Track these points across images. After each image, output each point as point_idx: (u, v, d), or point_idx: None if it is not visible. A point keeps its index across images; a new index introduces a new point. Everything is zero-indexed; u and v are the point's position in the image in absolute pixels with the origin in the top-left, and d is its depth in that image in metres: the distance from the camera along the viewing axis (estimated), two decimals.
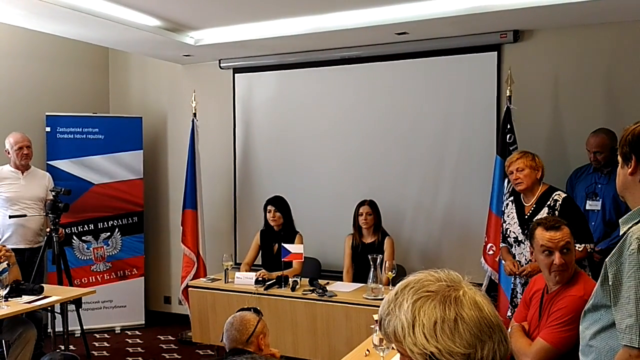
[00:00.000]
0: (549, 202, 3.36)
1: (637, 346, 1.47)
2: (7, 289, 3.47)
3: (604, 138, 3.70)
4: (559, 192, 3.41)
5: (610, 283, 1.55)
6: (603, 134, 3.71)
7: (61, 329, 3.94)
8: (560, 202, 3.32)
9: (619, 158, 1.65)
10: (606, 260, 1.58)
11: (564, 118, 4.29)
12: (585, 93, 4.21)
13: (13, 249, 4.33)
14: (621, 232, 1.60)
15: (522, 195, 3.53)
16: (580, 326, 1.75)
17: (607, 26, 4.11)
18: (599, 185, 3.75)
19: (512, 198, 3.62)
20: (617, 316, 1.53)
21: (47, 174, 4.74)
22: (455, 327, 1.01)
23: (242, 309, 2.64)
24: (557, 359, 2.28)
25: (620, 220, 1.65)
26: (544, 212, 3.32)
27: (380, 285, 3.68)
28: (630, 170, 1.61)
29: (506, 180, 3.96)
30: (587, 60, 4.20)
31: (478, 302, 1.04)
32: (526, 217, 3.45)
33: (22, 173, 4.49)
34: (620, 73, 4.11)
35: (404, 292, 1.09)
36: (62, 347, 4.00)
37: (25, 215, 4.37)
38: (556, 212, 3.27)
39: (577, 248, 3.12)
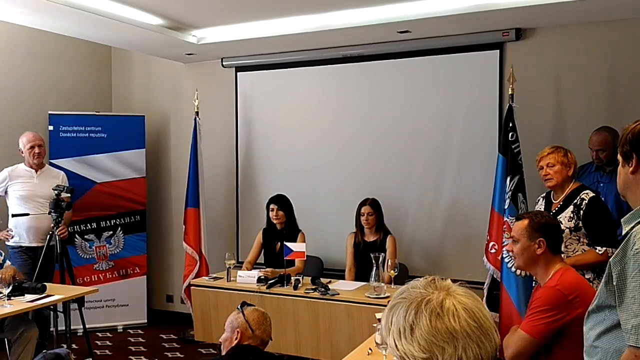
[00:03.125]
0: (575, 201, 3.20)
1: None
2: (10, 287, 3.48)
3: (606, 136, 3.68)
4: (587, 191, 3.22)
5: (614, 283, 1.54)
6: (605, 132, 3.69)
7: (64, 328, 3.94)
8: (586, 202, 3.16)
9: (620, 157, 1.65)
10: (610, 260, 1.57)
11: (566, 116, 4.28)
12: (587, 91, 4.20)
13: (27, 247, 4.38)
14: (624, 232, 1.59)
15: (552, 192, 3.39)
16: (584, 327, 1.73)
17: (610, 24, 4.10)
18: (601, 184, 3.72)
19: (544, 194, 3.49)
20: (622, 316, 1.51)
21: (62, 172, 4.75)
22: (412, 334, 1.11)
23: (245, 304, 2.61)
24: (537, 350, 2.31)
25: (622, 220, 1.64)
26: (569, 211, 3.20)
27: (383, 284, 3.67)
28: (631, 169, 1.60)
29: (508, 179, 3.96)
30: (590, 58, 4.19)
31: (446, 309, 1.10)
32: (551, 213, 3.25)
33: (36, 172, 4.52)
34: (623, 71, 4.10)
35: (393, 298, 1.18)
36: (65, 346, 4.00)
37: (27, 214, 4.38)
38: (581, 212, 3.15)
39: (597, 251, 3.08)
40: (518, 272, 3.87)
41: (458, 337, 1.10)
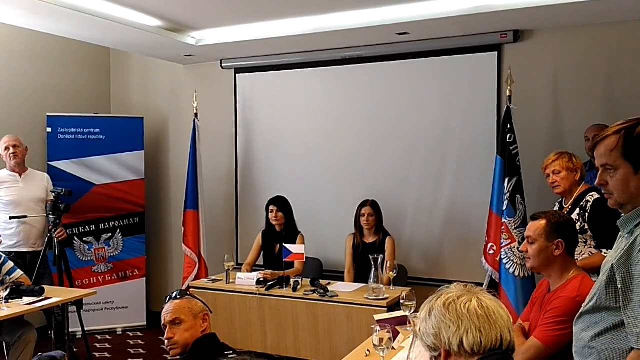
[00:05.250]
0: (581, 203, 3.17)
1: None
2: (8, 290, 3.47)
3: (604, 127, 3.67)
4: (593, 193, 3.17)
5: (619, 286, 1.52)
6: (603, 125, 3.70)
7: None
8: (590, 204, 3.13)
9: (623, 162, 1.55)
10: (613, 262, 1.55)
11: (563, 118, 4.29)
12: (585, 93, 4.21)
13: (16, 252, 4.33)
14: (624, 235, 1.58)
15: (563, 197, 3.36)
16: (574, 327, 1.73)
17: (607, 26, 4.11)
18: (594, 184, 3.72)
19: (560, 200, 3.43)
20: (628, 319, 1.50)
21: (46, 174, 4.73)
22: (429, 316, 1.40)
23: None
24: (549, 359, 2.28)
25: (618, 222, 1.62)
26: (575, 213, 3.17)
27: (381, 286, 3.67)
28: None
29: (506, 180, 3.96)
30: (587, 60, 4.20)
31: (460, 300, 1.37)
32: None
33: (20, 175, 4.46)
34: (619, 73, 4.11)
35: None
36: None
37: (25, 217, 4.36)
38: (587, 214, 3.13)
39: (604, 254, 3.01)
40: (516, 273, 3.88)
41: (463, 319, 1.33)
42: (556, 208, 3.44)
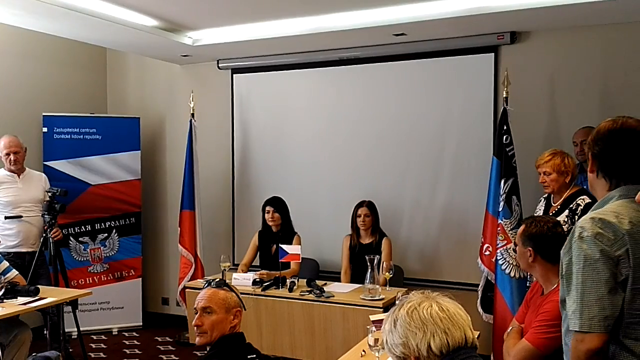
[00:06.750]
0: (571, 205, 3.26)
1: (578, 330, 1.47)
2: (3, 290, 3.45)
3: (590, 130, 3.69)
4: (584, 196, 3.26)
5: (562, 273, 1.57)
6: (589, 128, 3.72)
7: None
8: (582, 207, 3.20)
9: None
10: (561, 252, 1.60)
11: (560, 119, 4.30)
12: (581, 94, 4.22)
13: (15, 253, 4.31)
14: None
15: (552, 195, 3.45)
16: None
17: (603, 28, 4.12)
18: (585, 186, 3.75)
19: (545, 195, 3.53)
20: (569, 303, 1.53)
21: (43, 174, 4.70)
22: (395, 326, 1.44)
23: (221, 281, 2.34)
24: None
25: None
26: (564, 215, 3.24)
27: (377, 286, 3.67)
28: (589, 168, 1.70)
29: (503, 181, 3.97)
30: (583, 61, 4.21)
31: (422, 306, 1.43)
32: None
33: (19, 176, 4.44)
34: (615, 74, 4.12)
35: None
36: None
37: (20, 217, 4.34)
38: (576, 217, 3.18)
39: None
40: (512, 274, 3.89)
41: (427, 324, 1.39)
42: (541, 204, 3.50)
